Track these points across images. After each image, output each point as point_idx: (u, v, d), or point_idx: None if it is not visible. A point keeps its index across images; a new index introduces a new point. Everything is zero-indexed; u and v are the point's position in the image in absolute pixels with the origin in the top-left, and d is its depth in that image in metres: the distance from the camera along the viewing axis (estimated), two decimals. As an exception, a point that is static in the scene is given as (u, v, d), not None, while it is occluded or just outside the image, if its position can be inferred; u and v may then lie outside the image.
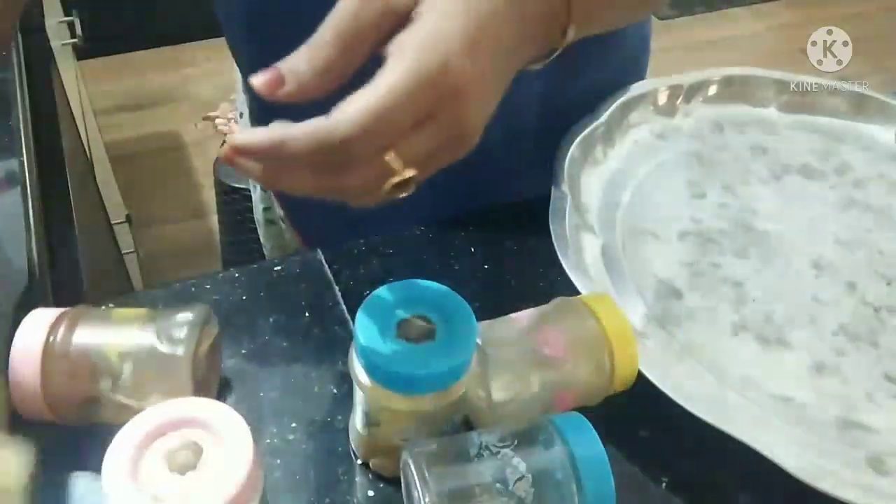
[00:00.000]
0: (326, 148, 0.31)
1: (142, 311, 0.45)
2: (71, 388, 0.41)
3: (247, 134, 0.32)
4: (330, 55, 0.33)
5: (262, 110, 0.61)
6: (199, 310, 0.45)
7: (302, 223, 0.72)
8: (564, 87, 0.63)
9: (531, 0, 0.37)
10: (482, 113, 0.35)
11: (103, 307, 0.44)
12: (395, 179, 0.33)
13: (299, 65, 0.33)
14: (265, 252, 0.82)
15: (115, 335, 0.43)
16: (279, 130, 0.32)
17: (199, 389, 0.43)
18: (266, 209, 0.77)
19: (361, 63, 0.33)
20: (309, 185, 0.34)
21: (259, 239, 0.83)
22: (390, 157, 0.32)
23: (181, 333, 0.43)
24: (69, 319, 0.42)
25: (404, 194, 0.34)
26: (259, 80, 0.33)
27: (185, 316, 0.44)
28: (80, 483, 0.43)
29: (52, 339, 0.41)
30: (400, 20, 0.33)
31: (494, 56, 0.35)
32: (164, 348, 0.42)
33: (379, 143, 0.32)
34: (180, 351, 0.42)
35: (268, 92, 0.33)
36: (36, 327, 0.41)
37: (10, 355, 0.41)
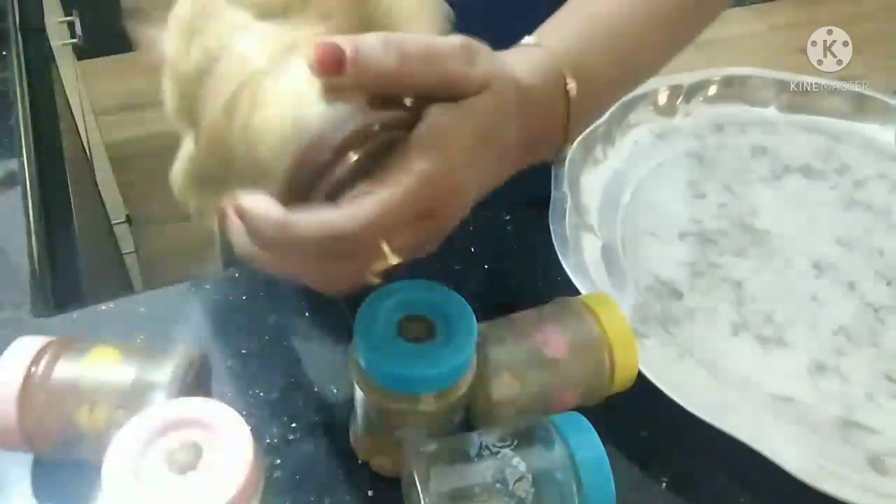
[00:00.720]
0: (334, 240, 0.31)
1: (125, 345, 0.43)
2: (48, 422, 0.40)
3: (254, 200, 0.31)
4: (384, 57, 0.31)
5: None
6: (182, 353, 0.43)
7: None
8: None
9: (534, 122, 0.38)
10: (465, 211, 0.35)
11: (86, 342, 0.43)
12: (381, 267, 0.33)
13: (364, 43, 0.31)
14: None
15: (96, 371, 0.41)
16: (284, 214, 0.31)
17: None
18: None
19: (401, 90, 0.33)
20: (295, 269, 0.34)
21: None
22: (385, 247, 0.32)
23: (164, 376, 0.41)
24: (52, 352, 0.41)
25: (377, 281, 0.34)
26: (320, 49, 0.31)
27: (169, 358, 0.42)
28: (80, 483, 0.43)
29: (33, 370, 0.40)
30: (457, 87, 0.33)
31: (500, 159, 0.36)
32: (144, 384, 0.40)
33: (379, 237, 0.32)
34: (162, 397, 0.40)
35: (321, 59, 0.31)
36: (18, 358, 0.40)
37: None
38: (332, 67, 0.30)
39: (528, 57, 0.39)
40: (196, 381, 0.43)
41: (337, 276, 0.34)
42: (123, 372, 0.41)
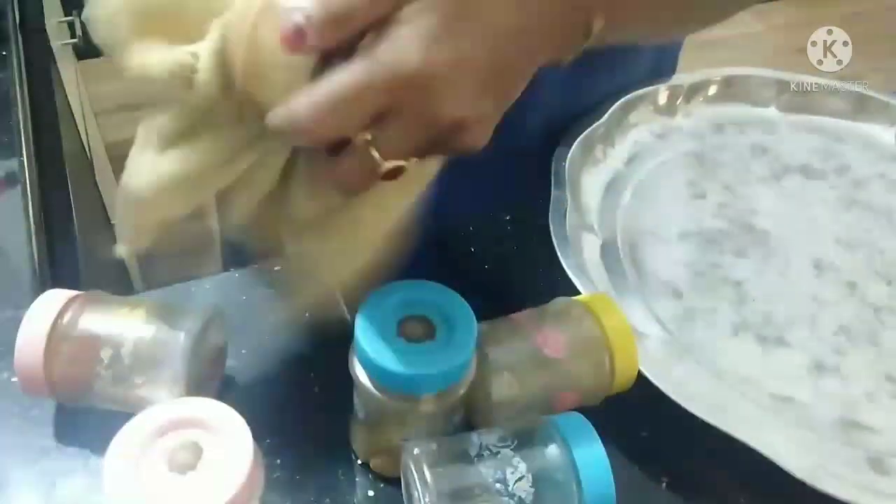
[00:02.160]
0: (298, 122, 0.33)
1: (152, 302, 0.45)
2: (72, 370, 0.42)
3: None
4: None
5: None
6: (207, 307, 0.45)
7: None
8: (580, 94, 0.62)
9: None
10: (467, 97, 0.34)
11: (112, 297, 0.45)
12: (381, 169, 0.34)
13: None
14: None
15: (122, 320, 0.43)
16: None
17: (194, 389, 0.43)
18: None
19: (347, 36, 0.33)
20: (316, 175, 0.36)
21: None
22: (372, 151, 0.33)
23: (185, 323, 0.43)
24: (79, 303, 0.43)
25: (385, 179, 0.35)
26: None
27: (193, 308, 0.45)
28: (80, 482, 0.43)
29: (59, 321, 0.42)
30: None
31: (483, 40, 0.33)
32: (165, 334, 0.43)
33: (335, 125, 0.33)
34: (181, 338, 0.42)
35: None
36: (46, 308, 0.43)
37: (18, 333, 0.42)
38: (297, 44, 0.32)
39: None
40: (216, 358, 0.46)
41: (347, 173, 0.35)
42: (146, 326, 0.43)
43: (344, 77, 0.32)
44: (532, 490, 0.36)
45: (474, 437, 0.38)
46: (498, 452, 0.37)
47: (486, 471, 0.37)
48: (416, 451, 0.38)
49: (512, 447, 0.37)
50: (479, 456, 0.37)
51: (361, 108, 0.33)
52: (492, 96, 0.35)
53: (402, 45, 0.32)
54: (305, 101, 0.32)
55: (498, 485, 0.36)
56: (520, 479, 0.36)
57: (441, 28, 0.32)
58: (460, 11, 0.33)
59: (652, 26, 0.46)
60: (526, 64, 0.36)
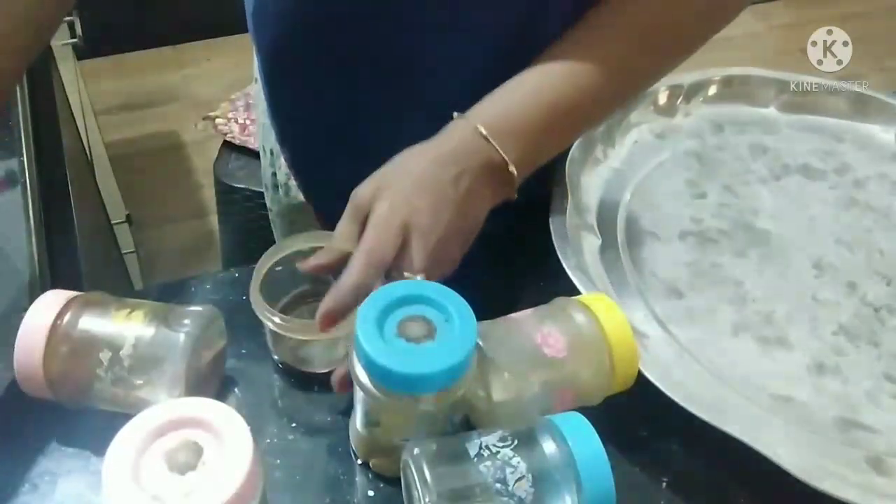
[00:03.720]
0: (353, 287, 0.43)
1: (152, 303, 0.46)
2: (71, 370, 0.43)
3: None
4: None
5: (274, 74, 0.65)
6: (207, 307, 0.46)
7: (325, 212, 0.73)
8: None
9: (468, 161, 0.48)
10: (440, 229, 0.46)
11: (110, 298, 0.46)
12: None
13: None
14: (270, 216, 0.83)
15: (121, 321, 0.44)
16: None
17: (194, 389, 0.43)
18: (273, 174, 0.79)
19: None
20: None
21: (257, 240, 0.84)
22: (404, 275, 0.44)
23: (185, 323, 0.43)
24: (79, 304, 0.44)
25: None
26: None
27: (194, 309, 0.45)
28: (80, 482, 0.43)
29: (59, 321, 0.43)
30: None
31: (437, 194, 0.46)
32: (165, 335, 0.43)
33: (379, 269, 0.44)
34: (181, 338, 0.43)
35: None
36: (45, 309, 0.43)
37: (18, 333, 0.42)
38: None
39: (444, 128, 0.49)
40: (216, 359, 0.46)
41: None
42: (146, 326, 0.43)
43: (366, 238, 0.45)
44: (532, 490, 0.36)
45: (474, 438, 0.38)
46: (498, 452, 0.37)
47: (486, 471, 0.36)
48: (416, 451, 0.38)
49: (512, 447, 0.37)
50: (479, 456, 0.37)
51: (386, 250, 0.44)
52: (451, 227, 0.47)
53: (390, 201, 0.46)
54: (353, 264, 0.44)
55: (498, 485, 0.36)
56: (520, 479, 0.36)
57: (411, 187, 0.46)
58: (421, 179, 0.47)
59: (560, 146, 0.55)
60: (476, 206, 0.49)
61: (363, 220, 0.46)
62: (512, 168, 0.49)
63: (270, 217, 0.84)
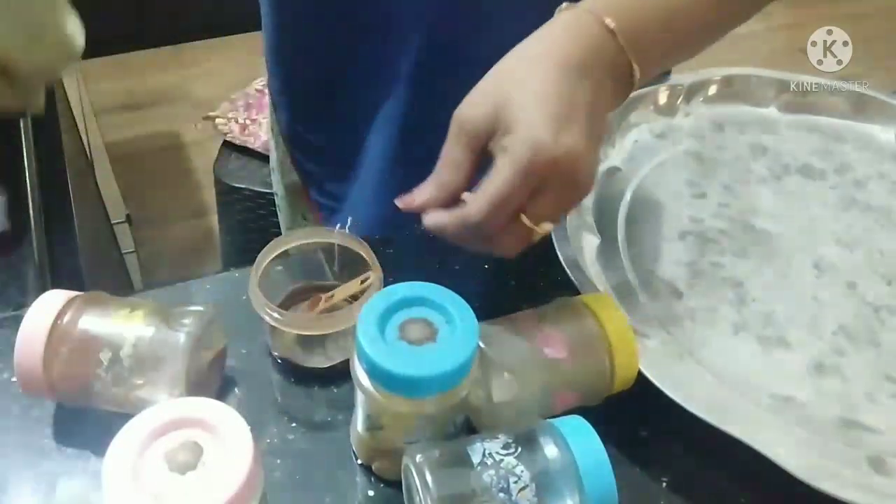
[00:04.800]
0: (468, 227, 0.41)
1: (152, 303, 0.46)
2: (71, 370, 0.43)
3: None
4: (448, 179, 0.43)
5: (282, 49, 0.68)
6: (207, 307, 0.46)
7: (333, 218, 0.74)
8: None
9: (596, 66, 0.43)
10: (587, 163, 0.42)
11: (110, 298, 0.46)
12: (536, 237, 0.43)
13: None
14: (276, 201, 0.85)
15: (121, 321, 0.43)
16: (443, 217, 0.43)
17: (194, 389, 0.43)
18: (282, 176, 0.80)
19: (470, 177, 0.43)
20: (476, 248, 0.44)
21: (257, 239, 0.85)
22: (525, 221, 0.41)
23: (185, 323, 0.43)
24: (79, 304, 0.44)
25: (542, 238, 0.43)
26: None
27: (194, 309, 0.45)
28: (80, 482, 0.43)
29: (59, 321, 0.43)
30: (486, 139, 0.42)
31: (579, 120, 0.41)
32: (165, 335, 0.43)
33: (504, 218, 0.41)
34: (181, 338, 0.43)
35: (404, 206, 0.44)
36: (45, 309, 0.43)
37: (18, 334, 0.42)
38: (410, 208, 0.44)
39: (557, 21, 0.44)
40: (215, 360, 0.46)
41: (508, 245, 0.43)
42: (146, 326, 0.43)
43: (498, 181, 0.40)
44: (535, 500, 0.36)
45: (477, 444, 0.38)
46: (501, 461, 0.37)
47: (489, 480, 0.36)
48: (418, 457, 0.37)
49: (515, 454, 0.37)
50: (483, 464, 0.37)
51: (520, 198, 0.41)
52: (595, 153, 0.43)
53: (532, 138, 0.40)
54: (476, 206, 0.41)
55: (501, 494, 0.36)
56: (523, 488, 0.36)
57: (553, 124, 0.40)
58: (557, 108, 0.41)
59: (684, 54, 0.52)
60: (604, 123, 0.46)
61: (477, 148, 0.42)
62: (636, 70, 0.44)
63: (276, 202, 0.84)
